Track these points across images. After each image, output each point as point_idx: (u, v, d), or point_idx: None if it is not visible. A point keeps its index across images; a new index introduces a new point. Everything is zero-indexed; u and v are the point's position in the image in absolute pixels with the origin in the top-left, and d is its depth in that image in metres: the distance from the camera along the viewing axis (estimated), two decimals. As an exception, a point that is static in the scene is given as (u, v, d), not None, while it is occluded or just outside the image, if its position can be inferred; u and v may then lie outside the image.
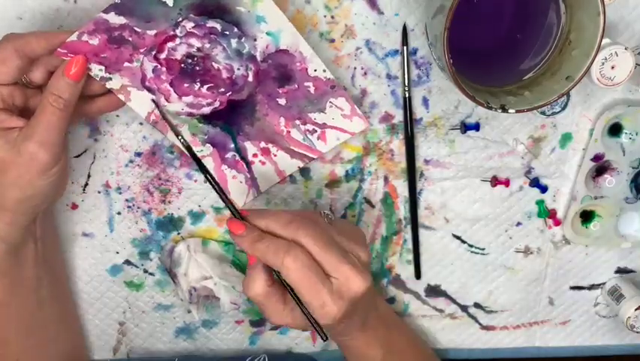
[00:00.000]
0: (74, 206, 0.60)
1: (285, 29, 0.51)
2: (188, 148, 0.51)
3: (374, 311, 0.56)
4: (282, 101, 0.55)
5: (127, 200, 0.60)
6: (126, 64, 0.51)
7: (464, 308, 0.68)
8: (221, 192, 0.51)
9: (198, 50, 0.51)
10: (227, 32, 0.51)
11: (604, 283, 0.68)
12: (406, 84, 0.57)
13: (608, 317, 0.69)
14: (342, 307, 0.49)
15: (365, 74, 0.57)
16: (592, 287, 0.68)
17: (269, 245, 0.48)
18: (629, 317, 0.64)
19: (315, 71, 0.53)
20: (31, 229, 0.53)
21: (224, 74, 0.53)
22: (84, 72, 0.49)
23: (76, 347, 0.65)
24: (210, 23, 0.50)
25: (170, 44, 0.51)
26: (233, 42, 0.51)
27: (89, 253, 0.62)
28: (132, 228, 0.61)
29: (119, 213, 0.61)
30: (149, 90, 0.52)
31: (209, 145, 0.56)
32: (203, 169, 0.51)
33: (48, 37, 0.48)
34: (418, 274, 0.65)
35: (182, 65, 0.52)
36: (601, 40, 0.48)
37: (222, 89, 0.53)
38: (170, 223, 0.62)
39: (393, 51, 0.56)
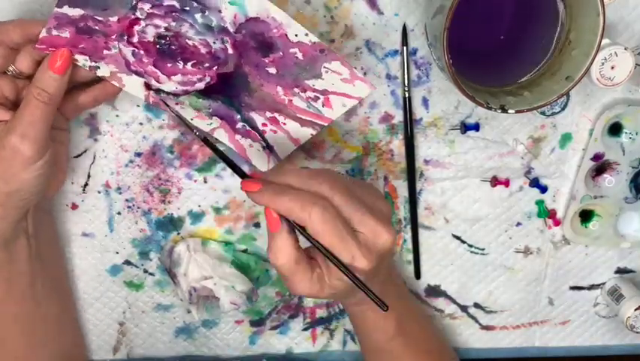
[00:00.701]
0: (74, 206, 0.60)
1: None
2: (205, 140, 0.50)
3: (390, 278, 0.55)
4: (272, 70, 0.53)
5: (127, 200, 0.60)
6: (105, 52, 0.50)
7: (464, 308, 0.68)
8: (233, 164, 0.49)
9: (166, 29, 0.50)
10: (187, 8, 0.49)
11: (604, 283, 0.68)
12: (406, 84, 0.57)
13: (608, 317, 0.69)
14: (371, 261, 0.46)
15: (365, 74, 0.57)
16: (592, 287, 0.68)
17: (293, 198, 0.45)
18: (629, 317, 0.64)
19: (297, 35, 0.50)
20: (23, 225, 0.53)
21: (203, 50, 0.51)
22: (69, 66, 0.48)
23: (75, 347, 0.65)
24: (166, 1, 0.49)
25: (137, 27, 0.50)
26: (198, 17, 0.50)
27: (88, 253, 0.62)
28: (132, 228, 0.61)
29: (118, 214, 0.61)
30: (137, 74, 0.52)
31: (215, 118, 0.55)
32: (223, 157, 0.49)
33: (24, 25, 0.48)
34: (417, 274, 0.65)
35: (158, 47, 0.51)
36: (601, 41, 0.48)
37: (207, 64, 0.52)
38: (170, 223, 0.62)
39: (393, 51, 0.56)
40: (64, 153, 0.55)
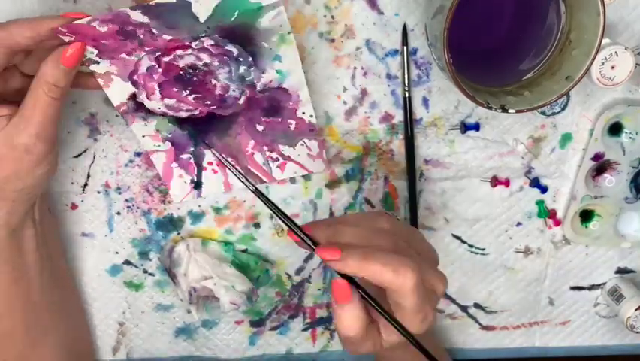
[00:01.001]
0: (74, 206, 0.60)
1: (295, 72, 0.52)
2: (257, 191, 0.47)
3: None
4: (260, 128, 0.55)
5: (127, 200, 0.60)
6: (123, 55, 0.49)
7: (464, 308, 0.68)
8: (294, 225, 0.45)
9: (205, 65, 0.51)
10: (241, 59, 0.51)
11: (604, 284, 0.68)
12: (406, 84, 0.57)
13: (608, 317, 0.69)
14: (434, 311, 0.44)
15: (365, 74, 0.57)
16: (592, 287, 0.68)
17: (385, 262, 0.41)
18: (629, 317, 0.64)
19: (304, 113, 0.54)
20: (30, 213, 0.52)
21: (218, 91, 0.52)
22: (80, 59, 0.46)
23: (79, 336, 0.64)
24: (229, 47, 0.50)
25: (179, 52, 0.50)
26: (242, 68, 0.51)
27: (88, 253, 0.62)
28: (132, 228, 0.61)
29: (118, 214, 0.61)
30: (134, 83, 0.51)
31: (168, 143, 0.56)
32: (276, 210, 0.46)
33: (32, 25, 0.44)
34: None
35: (181, 73, 0.51)
36: (601, 41, 0.48)
37: (209, 102, 0.53)
38: (169, 223, 0.62)
39: (393, 51, 0.56)
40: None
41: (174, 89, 0.52)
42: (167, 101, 0.53)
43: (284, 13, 0.47)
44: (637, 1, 0.56)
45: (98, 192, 0.60)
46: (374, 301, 0.43)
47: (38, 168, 0.48)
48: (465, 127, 0.60)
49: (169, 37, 0.48)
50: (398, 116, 0.59)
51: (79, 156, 0.58)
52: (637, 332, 0.64)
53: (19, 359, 0.56)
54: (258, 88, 0.53)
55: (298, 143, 0.57)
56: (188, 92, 0.52)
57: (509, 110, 0.50)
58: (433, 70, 0.57)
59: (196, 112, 0.54)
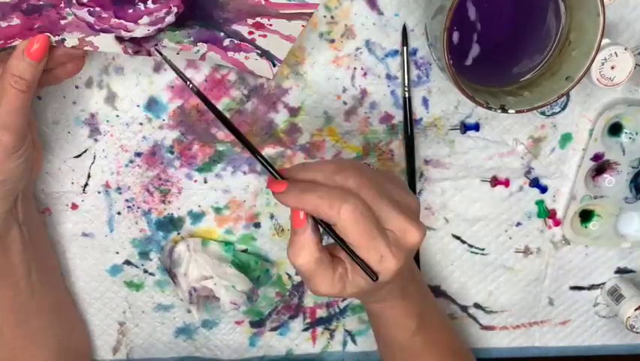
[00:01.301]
0: (74, 206, 0.60)
1: None
2: (199, 93, 0.47)
3: (412, 275, 0.54)
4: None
5: (127, 200, 0.60)
6: (62, 22, 0.47)
7: (464, 308, 0.68)
8: (254, 151, 0.46)
9: None
10: None
11: (604, 284, 0.68)
12: (406, 84, 0.57)
13: (608, 317, 0.70)
14: (399, 260, 0.45)
15: (365, 74, 0.57)
16: (592, 287, 0.68)
17: (322, 195, 0.43)
18: (628, 317, 0.64)
19: None
20: (14, 214, 0.52)
21: None
22: (45, 51, 0.46)
23: (75, 335, 0.64)
24: None
25: None
26: None
27: (88, 253, 0.62)
28: (132, 228, 0.61)
29: (119, 214, 0.61)
30: (104, 31, 0.49)
31: (201, 43, 0.52)
32: (226, 123, 0.46)
33: None
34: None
35: None
36: (601, 41, 0.48)
37: None
38: (170, 223, 0.62)
39: (393, 51, 0.56)
40: (34, 132, 0.53)
41: (130, 11, 0.49)
42: (141, 21, 0.49)
43: None
44: (637, 1, 0.56)
45: (99, 193, 0.60)
46: (337, 236, 0.44)
47: (8, 162, 0.47)
48: (465, 127, 0.60)
49: None
50: (398, 117, 0.59)
51: (79, 156, 0.58)
52: (637, 332, 0.64)
53: (10, 359, 0.56)
54: None
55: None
56: (141, 3, 0.48)
57: (509, 111, 0.50)
58: (433, 70, 0.57)
59: (175, 9, 0.49)
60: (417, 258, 0.64)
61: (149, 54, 0.51)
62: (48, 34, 0.47)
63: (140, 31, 0.50)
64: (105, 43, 0.50)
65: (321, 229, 0.45)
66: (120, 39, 0.50)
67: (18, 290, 0.55)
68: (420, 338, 0.55)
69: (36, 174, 0.54)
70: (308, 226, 0.45)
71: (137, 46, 0.50)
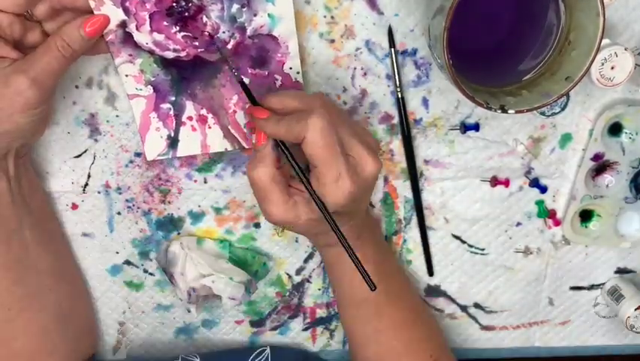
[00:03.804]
0: (74, 206, 0.60)
1: (286, 19, 0.51)
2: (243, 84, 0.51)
3: (368, 225, 0.56)
4: (245, 80, 0.54)
5: (127, 200, 0.60)
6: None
7: (464, 308, 0.68)
8: (243, 85, 0.51)
9: None
10: None
11: (604, 284, 0.68)
12: (398, 85, 0.57)
13: (608, 317, 0.70)
14: (355, 183, 0.47)
15: (365, 74, 0.57)
16: (592, 287, 0.68)
17: (291, 116, 0.47)
18: (628, 317, 0.64)
19: (291, 69, 0.54)
20: (2, 165, 0.52)
21: (208, 29, 0.51)
22: (101, 32, 0.49)
23: (78, 310, 0.63)
24: None
25: None
26: (234, 7, 0.50)
27: (88, 253, 0.62)
28: (132, 228, 0.61)
29: (119, 214, 0.61)
30: (125, 10, 0.50)
31: (150, 87, 0.54)
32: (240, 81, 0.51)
33: None
34: (430, 271, 0.65)
35: (173, 5, 0.50)
36: (600, 41, 0.48)
37: (197, 43, 0.52)
38: (170, 223, 0.62)
39: (393, 51, 0.56)
40: (52, 101, 0.53)
41: (164, 23, 0.51)
42: (155, 35, 0.51)
43: None
44: (637, 1, 0.56)
45: (99, 193, 0.60)
46: (292, 159, 0.48)
47: (22, 116, 0.47)
48: (465, 127, 0.60)
49: None
50: (398, 117, 0.59)
51: (79, 156, 0.58)
52: (637, 332, 0.64)
53: (3, 322, 0.55)
54: (248, 33, 0.52)
55: None
56: (177, 28, 0.51)
57: (509, 111, 0.50)
58: (433, 70, 0.57)
59: (183, 54, 0.52)
60: (428, 256, 0.65)
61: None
62: (109, 16, 0.49)
63: (144, 37, 0.52)
64: (110, 13, 0.50)
65: (283, 160, 0.48)
66: (122, 25, 0.50)
67: (10, 246, 0.54)
68: (381, 287, 0.52)
69: (36, 138, 0.54)
70: (268, 144, 0.48)
71: (123, 40, 0.51)
